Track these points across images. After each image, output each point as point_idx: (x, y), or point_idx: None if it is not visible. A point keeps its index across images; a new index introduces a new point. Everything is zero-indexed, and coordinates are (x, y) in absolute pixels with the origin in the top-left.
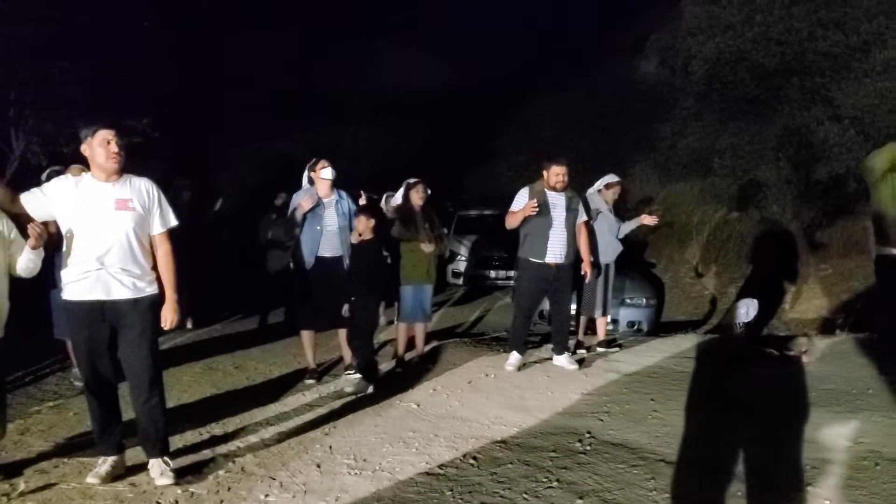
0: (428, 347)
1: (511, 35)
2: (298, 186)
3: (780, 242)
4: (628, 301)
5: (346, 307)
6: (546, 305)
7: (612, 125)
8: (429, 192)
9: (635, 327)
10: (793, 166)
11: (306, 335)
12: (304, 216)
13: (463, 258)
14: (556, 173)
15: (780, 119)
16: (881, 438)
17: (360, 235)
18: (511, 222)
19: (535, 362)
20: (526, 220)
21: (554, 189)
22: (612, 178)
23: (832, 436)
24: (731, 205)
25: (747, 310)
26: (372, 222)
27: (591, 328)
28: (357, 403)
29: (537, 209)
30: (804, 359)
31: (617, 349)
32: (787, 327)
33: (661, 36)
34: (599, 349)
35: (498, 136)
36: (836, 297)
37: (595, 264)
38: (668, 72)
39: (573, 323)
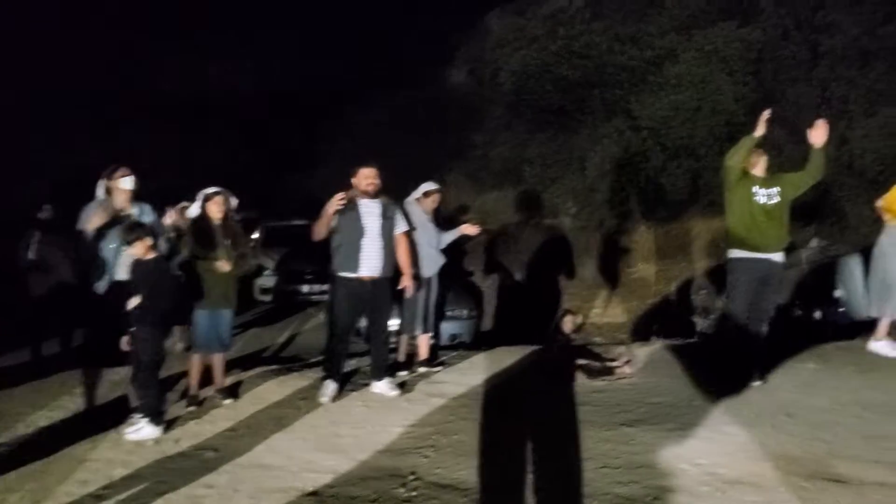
0: (228, 380)
1: (327, 42)
2: (73, 198)
3: (589, 248)
4: (449, 313)
5: (125, 339)
6: (364, 323)
7: (429, 133)
8: (234, 202)
9: (457, 340)
10: (598, 174)
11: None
12: (98, 233)
13: (271, 272)
14: (365, 177)
15: (585, 129)
16: (718, 458)
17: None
18: (317, 230)
19: (353, 390)
20: (336, 230)
21: (366, 195)
22: (430, 185)
23: (669, 458)
24: (542, 212)
25: (562, 318)
26: (149, 241)
27: (413, 347)
28: (141, 455)
29: (344, 203)
30: (627, 370)
31: (440, 368)
32: (601, 332)
33: (470, 47)
34: (422, 370)
35: (314, 144)
36: (645, 300)
37: (416, 278)
38: (477, 82)
39: (394, 343)
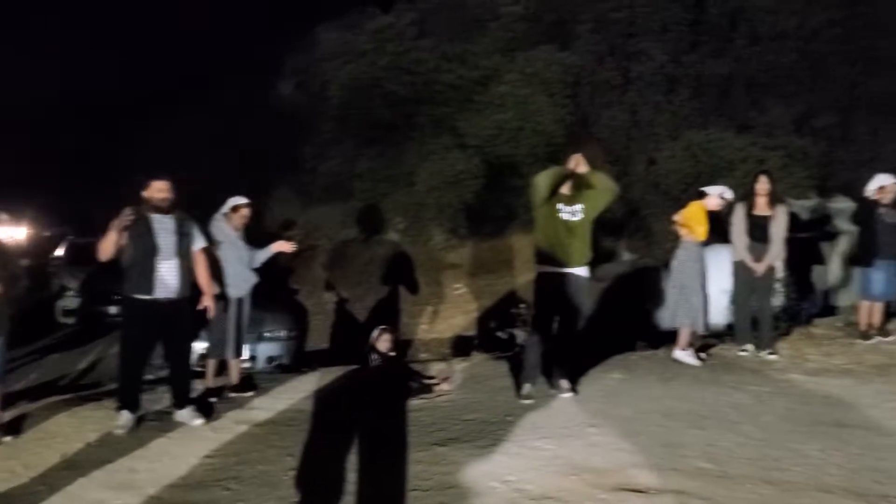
0: (8, 415)
1: (143, 52)
2: None
3: (416, 264)
4: (267, 335)
5: None
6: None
7: (253, 147)
8: (2, 217)
9: (275, 362)
10: (426, 190)
11: None
12: None
13: (75, 293)
14: (158, 190)
15: (413, 146)
16: (526, 474)
17: None
18: (102, 249)
19: (154, 420)
20: (126, 249)
21: (159, 209)
22: (239, 200)
23: (479, 476)
24: (370, 228)
25: (378, 337)
26: None
27: (223, 371)
28: None
29: (132, 218)
30: (445, 386)
31: (252, 393)
32: (427, 348)
33: (299, 59)
34: (232, 395)
35: (126, 158)
36: (470, 315)
37: (222, 297)
38: (305, 95)
39: (201, 367)
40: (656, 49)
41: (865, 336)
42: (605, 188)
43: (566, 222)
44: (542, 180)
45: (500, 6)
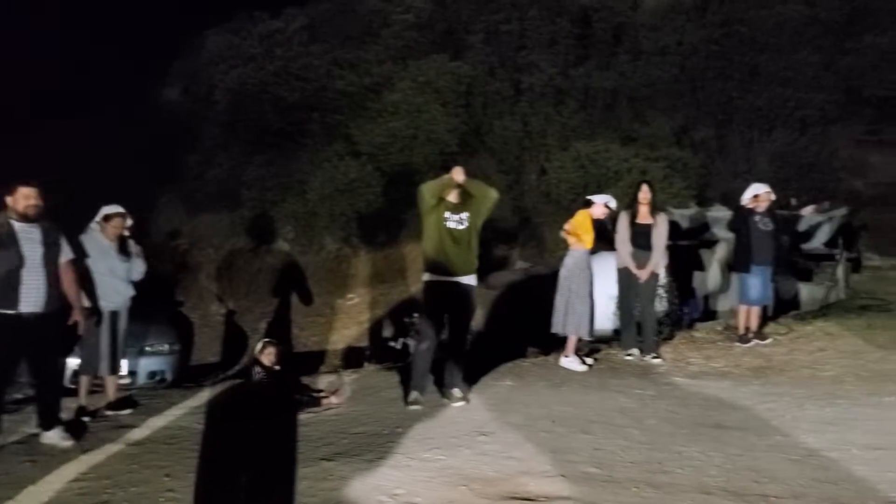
0: None
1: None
2: None
3: (308, 274)
4: (148, 349)
5: None
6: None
7: (135, 154)
8: None
9: (157, 378)
10: (319, 199)
11: None
12: None
13: None
14: (25, 196)
15: (305, 153)
16: (416, 486)
17: None
18: None
19: (20, 443)
20: None
21: (25, 218)
22: (113, 209)
23: (367, 491)
24: (260, 237)
25: (262, 351)
26: None
27: (99, 388)
28: None
29: None
30: (334, 399)
31: (130, 411)
32: (319, 360)
33: (185, 63)
34: (108, 413)
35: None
36: (363, 325)
37: (95, 312)
38: (191, 100)
39: (74, 385)
40: (546, 61)
41: (743, 339)
42: (484, 196)
43: (452, 230)
44: (427, 189)
45: (392, 14)
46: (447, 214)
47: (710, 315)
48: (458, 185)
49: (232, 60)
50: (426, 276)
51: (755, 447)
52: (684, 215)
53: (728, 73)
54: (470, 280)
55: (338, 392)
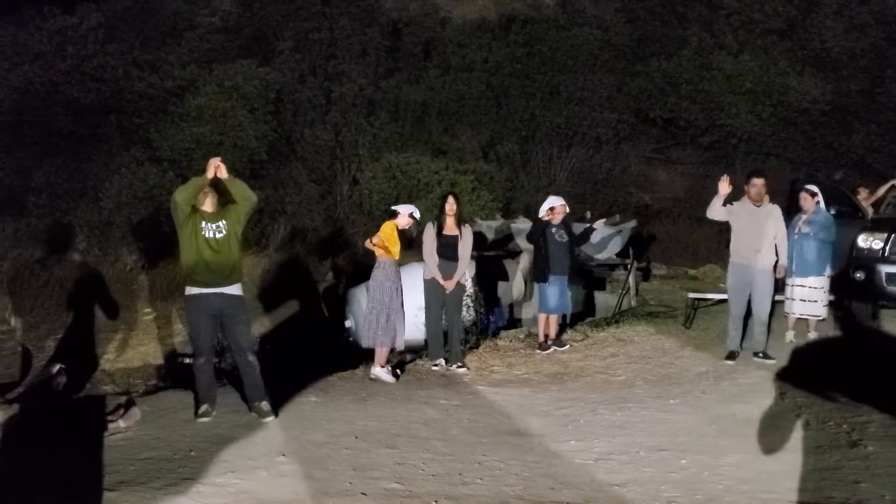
0: None
1: None
2: None
3: (102, 288)
4: None
5: None
6: None
7: None
8: None
9: None
10: (115, 207)
11: None
12: None
13: None
14: None
15: (100, 158)
16: None
17: None
18: None
19: None
20: None
21: None
22: None
23: None
24: (49, 248)
25: (57, 372)
26: None
27: None
28: None
29: None
30: (122, 423)
31: None
32: (113, 380)
33: None
34: None
35: None
36: (162, 342)
37: None
38: None
39: None
40: (357, 72)
41: (543, 346)
42: (242, 198)
43: (210, 241)
44: (181, 195)
45: (196, 16)
46: (204, 224)
47: (514, 323)
48: (215, 184)
49: (17, 57)
50: (189, 290)
51: (552, 453)
52: (490, 227)
53: (531, 91)
54: (235, 290)
55: (126, 414)
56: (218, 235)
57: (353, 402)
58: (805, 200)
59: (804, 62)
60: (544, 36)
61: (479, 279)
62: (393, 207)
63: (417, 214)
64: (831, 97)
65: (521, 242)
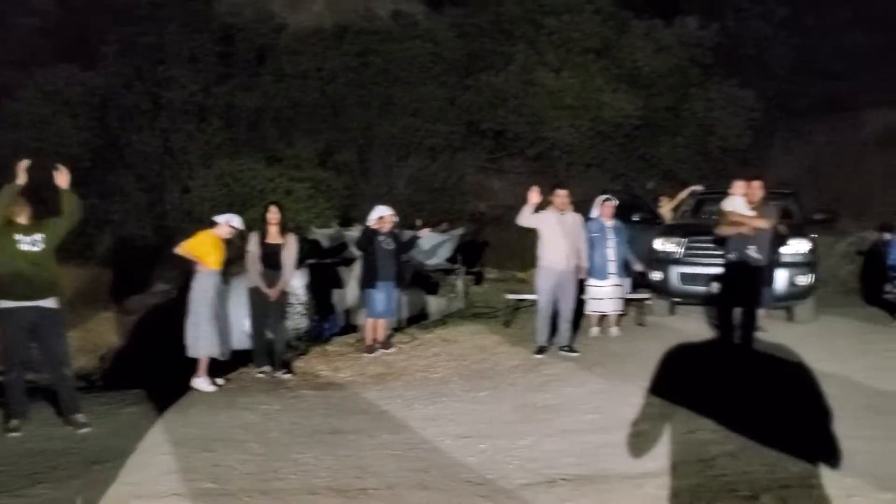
0: None
1: None
2: None
3: None
4: None
5: None
6: None
7: None
8: None
9: None
10: None
11: None
12: None
13: None
14: None
15: None
16: None
17: None
18: None
19: None
20: None
21: None
22: None
23: None
24: None
25: None
26: None
27: None
28: None
29: None
30: None
31: None
32: None
33: None
34: None
35: None
36: None
37: None
38: None
39: None
40: (186, 77)
41: (370, 350)
42: (70, 212)
43: (26, 253)
44: None
45: (13, 17)
46: (19, 237)
47: (350, 329)
48: (21, 189)
49: None
50: (3, 304)
51: (364, 447)
52: (325, 234)
53: (367, 100)
54: (51, 304)
55: None
56: (35, 248)
57: (176, 412)
58: (603, 208)
59: (618, 80)
60: (378, 47)
61: (313, 286)
62: (213, 218)
63: (237, 223)
64: (642, 112)
65: (355, 250)
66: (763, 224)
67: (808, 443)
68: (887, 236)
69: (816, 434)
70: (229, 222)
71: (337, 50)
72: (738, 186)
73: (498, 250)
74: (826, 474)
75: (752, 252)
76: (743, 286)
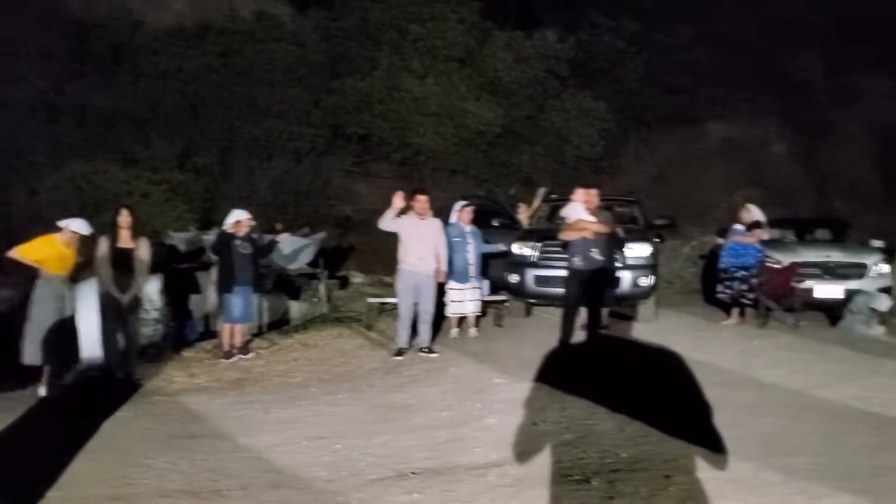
0: None
1: None
2: None
3: None
4: None
5: None
6: None
7: None
8: None
9: None
10: None
11: None
12: None
13: None
14: None
15: None
16: None
17: None
18: None
19: None
20: None
21: None
22: None
23: None
24: None
25: None
26: None
27: None
28: None
29: None
30: None
31: None
32: None
33: None
34: None
35: None
36: None
37: None
38: None
39: None
40: (36, 74)
41: (227, 355)
42: None
43: None
44: None
45: None
46: None
47: (210, 335)
48: None
49: None
50: None
51: (219, 451)
52: (183, 239)
53: (228, 102)
54: None
55: None
56: None
57: (21, 421)
58: (461, 214)
59: (481, 88)
60: (240, 48)
61: (170, 292)
62: (59, 223)
63: (77, 228)
64: (503, 121)
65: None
66: (602, 228)
67: (641, 428)
68: (720, 240)
69: (650, 419)
70: (69, 226)
71: (198, 50)
72: (579, 194)
73: (364, 254)
74: (655, 456)
75: (595, 255)
76: (587, 287)
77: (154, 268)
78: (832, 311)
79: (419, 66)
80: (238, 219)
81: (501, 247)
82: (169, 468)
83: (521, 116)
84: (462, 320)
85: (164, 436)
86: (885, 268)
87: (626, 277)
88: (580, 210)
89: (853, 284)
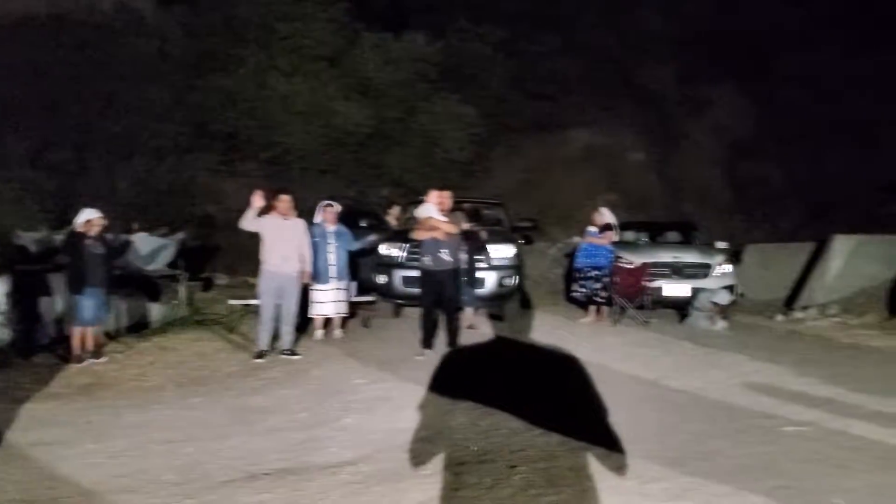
0: None
1: None
2: None
3: None
4: None
5: None
6: None
7: None
8: None
9: None
10: None
11: None
12: None
13: None
14: None
15: None
16: None
17: None
18: None
19: None
20: None
21: None
22: None
23: None
24: None
25: None
26: None
27: None
28: None
29: None
30: None
31: None
32: None
33: None
34: None
35: None
36: None
37: None
38: None
39: None
40: None
41: (79, 359)
42: None
43: None
44: None
45: None
46: None
47: (63, 339)
48: None
49: None
50: None
51: (62, 458)
52: (33, 239)
53: (85, 97)
54: None
55: None
56: None
57: None
58: (325, 214)
59: (350, 89)
60: (99, 41)
61: (18, 294)
62: None
63: None
64: (373, 122)
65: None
66: (452, 228)
67: (494, 423)
68: (578, 240)
69: (506, 413)
70: None
71: (53, 41)
72: (432, 195)
73: (230, 255)
74: (503, 447)
75: (443, 255)
76: (440, 287)
77: (0, 269)
78: (681, 309)
79: (286, 65)
80: (89, 218)
81: (373, 237)
82: (3, 479)
83: (391, 118)
84: (327, 322)
85: (4, 445)
86: (728, 267)
87: (490, 278)
88: (432, 211)
89: (699, 283)
